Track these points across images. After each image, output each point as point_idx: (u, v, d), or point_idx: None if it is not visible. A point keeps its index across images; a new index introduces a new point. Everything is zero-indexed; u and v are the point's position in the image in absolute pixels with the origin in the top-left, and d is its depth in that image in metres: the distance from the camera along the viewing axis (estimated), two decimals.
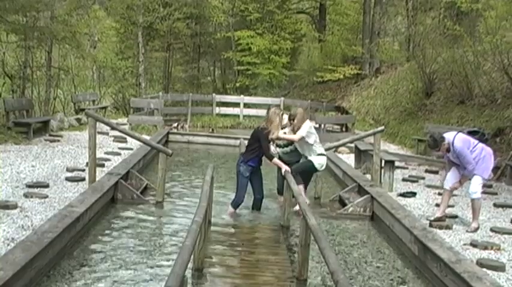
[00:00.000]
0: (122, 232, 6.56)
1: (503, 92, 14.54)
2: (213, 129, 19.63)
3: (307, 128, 7.73)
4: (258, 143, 7.41)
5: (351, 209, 8.13)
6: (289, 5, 29.03)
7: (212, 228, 6.88)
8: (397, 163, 10.37)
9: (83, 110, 17.23)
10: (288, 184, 6.91)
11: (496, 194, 9.56)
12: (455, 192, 8.12)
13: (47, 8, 15.07)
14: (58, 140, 12.46)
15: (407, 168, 12.07)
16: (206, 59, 30.91)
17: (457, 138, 7.06)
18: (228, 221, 7.40)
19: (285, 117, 7.80)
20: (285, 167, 7.44)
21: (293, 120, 7.75)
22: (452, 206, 8.34)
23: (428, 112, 17.26)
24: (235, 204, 7.58)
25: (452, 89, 16.78)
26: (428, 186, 10.06)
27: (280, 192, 8.17)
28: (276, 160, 7.61)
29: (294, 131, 7.76)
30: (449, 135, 7.14)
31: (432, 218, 7.36)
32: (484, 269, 5.41)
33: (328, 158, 11.75)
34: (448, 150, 7.14)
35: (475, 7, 15.21)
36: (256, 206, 7.80)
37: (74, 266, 5.30)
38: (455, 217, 7.79)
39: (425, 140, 13.79)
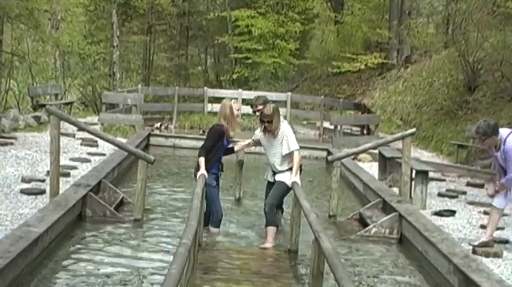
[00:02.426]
0: (92, 256, 6.55)
1: None
2: (204, 131, 19.63)
3: (292, 133, 7.58)
4: (211, 144, 7.53)
5: (374, 230, 8.12)
6: None
7: (203, 252, 6.87)
8: (431, 174, 10.36)
9: (43, 106, 17.22)
10: (297, 199, 6.91)
11: None
12: (506, 211, 8.10)
13: None
14: (11, 143, 12.44)
15: (444, 180, 12.07)
16: (196, 45, 30.98)
17: (511, 136, 7.08)
18: (222, 244, 7.40)
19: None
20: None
21: (268, 122, 7.42)
22: (502, 228, 8.32)
23: (471, 111, 17.26)
24: (215, 222, 7.66)
25: (503, 83, 16.78)
26: (471, 203, 10.05)
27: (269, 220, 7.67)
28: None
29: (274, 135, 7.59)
30: (502, 131, 7.17)
31: (477, 243, 7.35)
32: None
33: (346, 168, 11.86)
34: (497, 148, 7.14)
35: None
36: (209, 221, 7.69)
37: None
38: (506, 242, 7.77)
39: (467, 147, 13.87)
